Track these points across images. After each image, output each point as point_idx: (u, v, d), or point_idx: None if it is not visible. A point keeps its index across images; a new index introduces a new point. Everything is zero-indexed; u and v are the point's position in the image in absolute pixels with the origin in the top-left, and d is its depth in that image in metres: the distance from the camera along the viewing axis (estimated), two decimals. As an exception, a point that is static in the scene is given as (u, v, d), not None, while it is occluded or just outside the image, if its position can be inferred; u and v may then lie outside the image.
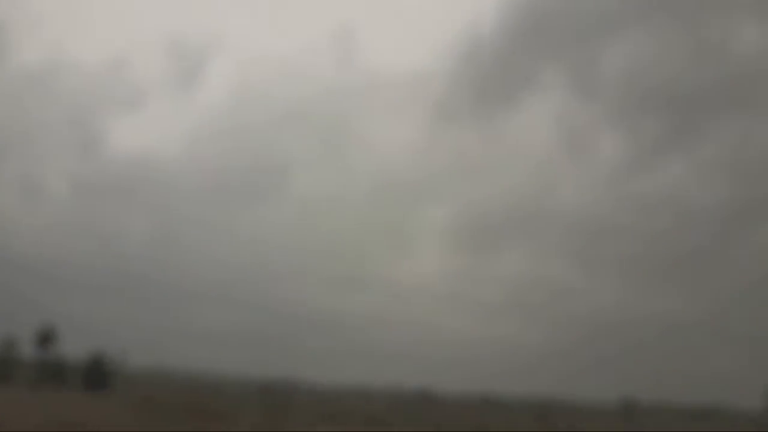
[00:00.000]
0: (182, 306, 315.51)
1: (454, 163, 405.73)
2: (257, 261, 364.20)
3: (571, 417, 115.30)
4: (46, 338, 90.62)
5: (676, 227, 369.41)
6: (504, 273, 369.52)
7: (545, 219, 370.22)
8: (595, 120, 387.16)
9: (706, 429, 75.63)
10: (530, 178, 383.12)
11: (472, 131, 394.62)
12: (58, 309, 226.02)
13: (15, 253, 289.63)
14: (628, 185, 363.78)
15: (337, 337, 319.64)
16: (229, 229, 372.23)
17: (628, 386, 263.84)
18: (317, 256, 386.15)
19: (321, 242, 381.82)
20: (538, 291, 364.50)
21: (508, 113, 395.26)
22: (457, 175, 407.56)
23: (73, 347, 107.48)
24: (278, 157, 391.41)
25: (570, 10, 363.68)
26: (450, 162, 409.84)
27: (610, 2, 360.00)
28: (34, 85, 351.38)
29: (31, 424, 20.35)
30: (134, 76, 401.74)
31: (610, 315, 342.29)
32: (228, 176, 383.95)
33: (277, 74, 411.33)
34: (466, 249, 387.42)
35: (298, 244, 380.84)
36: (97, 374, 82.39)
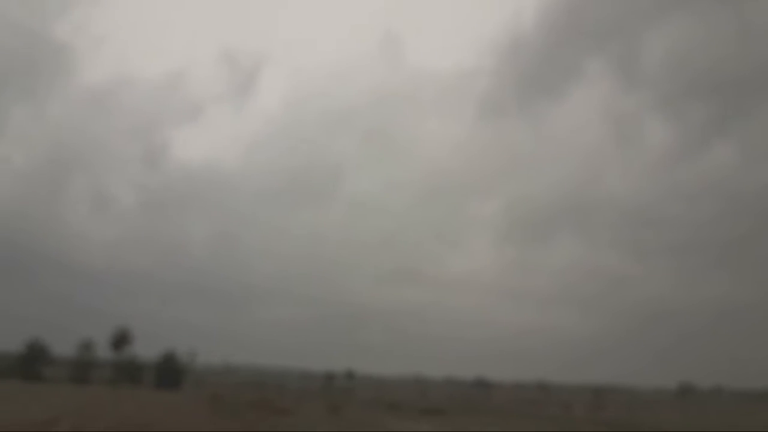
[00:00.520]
0: (245, 305, 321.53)
1: (502, 158, 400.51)
2: (314, 259, 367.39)
3: (628, 403, 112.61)
4: (120, 340, 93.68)
5: (725, 213, 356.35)
6: (555, 264, 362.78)
7: (595, 209, 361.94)
8: (641, 108, 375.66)
9: (763, 412, 72.69)
10: (578, 169, 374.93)
11: (518, 125, 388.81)
12: (131, 313, 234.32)
13: (89, 263, 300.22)
14: (677, 172, 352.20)
15: (393, 329, 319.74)
16: (286, 229, 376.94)
17: (684, 372, 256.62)
18: (371, 252, 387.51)
19: (374, 239, 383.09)
20: (590, 281, 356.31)
21: (553, 106, 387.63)
22: (505, 170, 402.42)
23: (146, 348, 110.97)
24: (330, 159, 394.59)
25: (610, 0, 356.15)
26: (497, 157, 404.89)
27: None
28: (99, 102, 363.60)
29: (110, 422, 21.15)
30: (192, 89, 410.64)
31: (663, 302, 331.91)
32: (283, 179, 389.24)
33: (327, 81, 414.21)
34: (516, 241, 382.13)
35: (352, 242, 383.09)
36: (168, 373, 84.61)
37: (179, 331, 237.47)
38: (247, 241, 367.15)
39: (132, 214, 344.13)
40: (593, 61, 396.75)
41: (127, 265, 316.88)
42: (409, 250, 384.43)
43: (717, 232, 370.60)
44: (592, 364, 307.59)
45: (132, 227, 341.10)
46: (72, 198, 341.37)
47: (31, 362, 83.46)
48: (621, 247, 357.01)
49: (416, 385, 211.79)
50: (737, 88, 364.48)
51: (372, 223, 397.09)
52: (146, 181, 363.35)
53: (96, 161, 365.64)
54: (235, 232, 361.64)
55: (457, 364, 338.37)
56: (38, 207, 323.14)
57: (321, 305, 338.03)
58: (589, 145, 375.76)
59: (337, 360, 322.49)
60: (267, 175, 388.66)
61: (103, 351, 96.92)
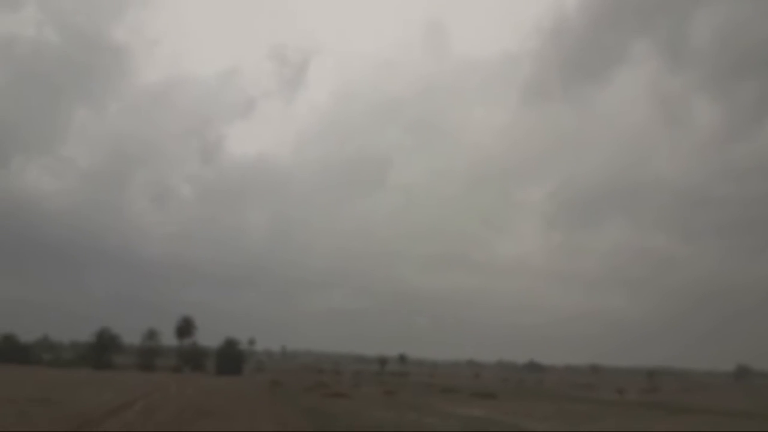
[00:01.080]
0: (301, 293, 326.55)
1: (547, 142, 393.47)
2: (365, 247, 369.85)
3: (683, 385, 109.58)
4: (184, 329, 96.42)
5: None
6: (603, 247, 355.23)
7: (642, 191, 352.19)
8: (689, 88, 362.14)
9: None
10: (625, 151, 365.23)
11: (563, 109, 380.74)
12: (193, 302, 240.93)
13: (151, 256, 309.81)
14: (726, 152, 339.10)
15: (443, 315, 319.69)
16: (337, 219, 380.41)
17: (738, 354, 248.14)
18: (420, 239, 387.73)
19: (423, 226, 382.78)
20: (639, 263, 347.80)
21: (598, 88, 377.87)
22: (551, 154, 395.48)
23: (208, 336, 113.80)
24: (379, 149, 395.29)
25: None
26: (543, 141, 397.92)
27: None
28: (156, 101, 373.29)
29: (177, 406, 21.80)
30: (245, 86, 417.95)
31: (713, 283, 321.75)
32: (334, 171, 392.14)
33: (374, 72, 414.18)
34: (564, 225, 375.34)
35: (402, 230, 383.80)
36: (229, 359, 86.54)
37: (239, 320, 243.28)
38: (301, 232, 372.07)
39: (190, 208, 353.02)
40: (638, 43, 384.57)
41: (187, 257, 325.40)
42: (458, 236, 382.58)
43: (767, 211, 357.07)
44: (643, 346, 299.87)
45: (190, 220, 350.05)
46: (133, 194, 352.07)
47: (102, 351, 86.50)
48: (669, 228, 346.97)
49: (468, 370, 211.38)
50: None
51: (421, 210, 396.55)
52: (203, 175, 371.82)
53: (155, 158, 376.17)
54: (289, 223, 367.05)
55: (509, 349, 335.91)
56: (102, 204, 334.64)
57: (373, 292, 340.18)
58: (635, 126, 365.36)
59: (389, 345, 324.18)
60: (318, 167, 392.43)
61: (168, 339, 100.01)
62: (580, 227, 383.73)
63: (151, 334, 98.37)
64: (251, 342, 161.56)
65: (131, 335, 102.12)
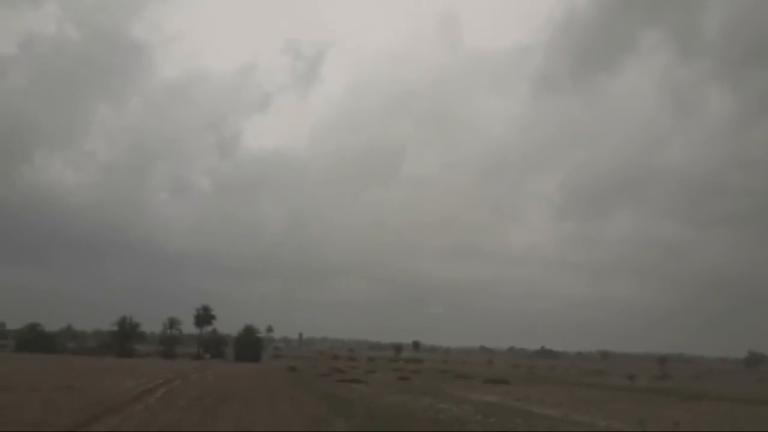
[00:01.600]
0: (317, 282, 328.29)
1: (559, 132, 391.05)
2: (379, 237, 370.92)
3: (694, 371, 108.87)
4: (203, 317, 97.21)
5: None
6: (614, 235, 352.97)
7: (652, 180, 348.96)
8: (700, 78, 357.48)
9: None
10: (636, 140, 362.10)
11: (574, 99, 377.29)
12: (212, 291, 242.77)
13: (171, 246, 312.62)
14: (737, 140, 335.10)
15: (456, 303, 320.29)
16: (352, 210, 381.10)
17: (748, 340, 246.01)
18: (433, 229, 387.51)
19: (435, 217, 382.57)
20: (650, 251, 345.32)
21: (609, 78, 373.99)
22: (562, 144, 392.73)
23: (227, 324, 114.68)
24: (392, 141, 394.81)
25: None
26: (554, 131, 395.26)
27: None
28: (175, 95, 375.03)
29: (199, 391, 21.96)
30: (261, 80, 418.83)
31: (722, 270, 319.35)
32: (348, 163, 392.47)
33: (388, 65, 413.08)
34: (574, 214, 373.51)
35: (415, 220, 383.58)
36: (247, 346, 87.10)
37: (257, 308, 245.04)
38: (316, 223, 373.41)
39: (209, 200, 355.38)
40: (648, 33, 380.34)
41: (206, 248, 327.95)
42: (470, 226, 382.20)
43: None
44: (654, 333, 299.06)
45: (209, 212, 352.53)
46: (153, 187, 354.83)
47: (124, 339, 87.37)
48: (680, 217, 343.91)
49: (481, 356, 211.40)
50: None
51: (433, 201, 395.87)
52: (221, 168, 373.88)
53: (174, 152, 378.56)
54: (305, 215, 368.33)
55: (520, 336, 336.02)
56: (123, 197, 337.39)
57: (387, 281, 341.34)
58: (645, 116, 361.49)
59: (404, 332, 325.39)
60: (333, 160, 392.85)
61: (188, 328, 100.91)
62: (591, 216, 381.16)
63: (172, 323, 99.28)
64: (269, 330, 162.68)
65: (152, 324, 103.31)
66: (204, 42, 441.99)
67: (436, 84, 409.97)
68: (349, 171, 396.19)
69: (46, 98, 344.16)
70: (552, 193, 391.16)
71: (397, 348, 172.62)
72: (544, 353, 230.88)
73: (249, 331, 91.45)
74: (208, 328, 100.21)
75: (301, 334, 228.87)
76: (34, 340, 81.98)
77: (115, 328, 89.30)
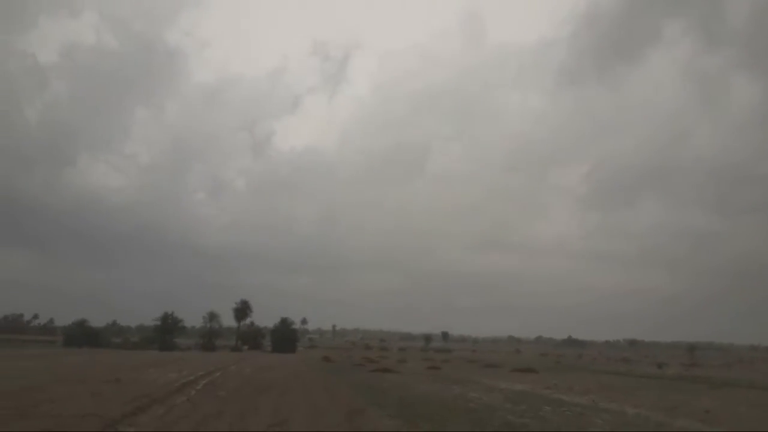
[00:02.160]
0: (348, 275, 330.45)
1: (583, 125, 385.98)
2: (407, 231, 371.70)
3: (724, 360, 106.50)
4: (241, 311, 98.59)
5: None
6: (641, 226, 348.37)
7: (680, 170, 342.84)
8: (727, 67, 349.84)
9: None
10: (662, 131, 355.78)
11: (599, 91, 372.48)
12: (249, 285, 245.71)
13: (209, 244, 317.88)
14: (766, 129, 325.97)
15: (484, 294, 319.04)
16: (380, 205, 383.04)
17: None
18: (459, 222, 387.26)
19: (462, 210, 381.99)
20: (677, 241, 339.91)
21: (632, 70, 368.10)
22: (587, 136, 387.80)
23: (264, 317, 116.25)
24: (418, 137, 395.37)
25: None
26: (579, 124, 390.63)
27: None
28: (210, 100, 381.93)
29: (238, 381, 22.28)
30: (290, 82, 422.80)
31: (752, 260, 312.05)
32: (376, 160, 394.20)
33: (413, 62, 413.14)
34: (601, 206, 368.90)
35: (442, 214, 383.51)
36: (283, 338, 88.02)
37: (292, 301, 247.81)
38: (346, 218, 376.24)
39: (244, 199, 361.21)
40: (672, 24, 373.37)
41: (243, 244, 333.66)
42: (496, 219, 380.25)
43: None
44: (683, 323, 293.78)
45: (245, 211, 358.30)
46: (191, 187, 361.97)
47: (166, 333, 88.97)
48: (708, 207, 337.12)
49: (509, 346, 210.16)
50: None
51: (459, 195, 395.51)
52: (254, 168, 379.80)
53: (210, 153, 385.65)
54: (336, 211, 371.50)
55: (548, 326, 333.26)
56: (163, 197, 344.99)
57: (417, 273, 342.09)
58: (671, 107, 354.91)
59: (433, 323, 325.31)
60: (361, 157, 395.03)
61: (227, 321, 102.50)
62: (617, 208, 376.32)
63: (212, 317, 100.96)
64: (303, 322, 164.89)
65: (193, 318, 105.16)
66: (236, 47, 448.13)
67: (460, 80, 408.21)
68: (376, 168, 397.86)
69: (88, 105, 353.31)
70: (578, 185, 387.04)
71: (427, 338, 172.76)
72: (571, 342, 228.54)
73: (284, 324, 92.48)
74: (246, 321, 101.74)
75: (334, 326, 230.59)
76: (82, 336, 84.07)
77: (158, 322, 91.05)
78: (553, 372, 43.74)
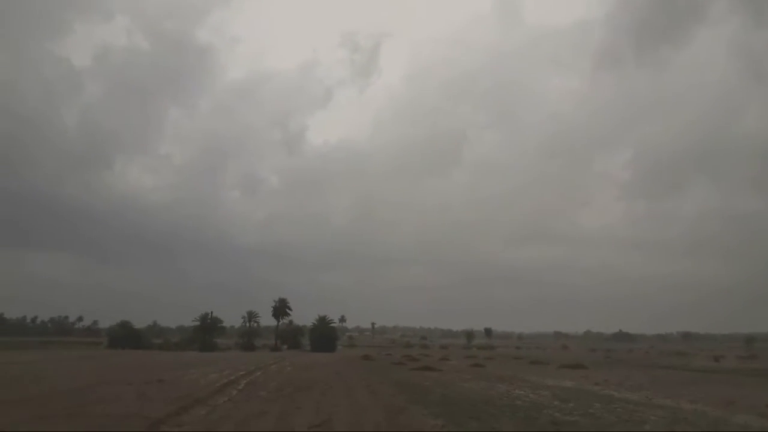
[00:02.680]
0: (386, 271, 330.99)
1: (625, 108, 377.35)
2: (444, 224, 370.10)
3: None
4: (279, 309, 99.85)
5: None
6: (691, 213, 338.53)
7: (731, 152, 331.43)
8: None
9: None
10: (710, 112, 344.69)
11: (639, 73, 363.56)
12: (287, 283, 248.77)
13: (245, 241, 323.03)
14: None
15: (527, 287, 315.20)
16: (416, 197, 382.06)
17: None
18: (499, 213, 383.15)
19: (501, 200, 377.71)
20: (731, 228, 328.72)
21: (675, 50, 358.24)
22: (629, 119, 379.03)
23: (302, 315, 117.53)
24: (453, 125, 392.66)
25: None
26: (620, 107, 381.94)
27: None
28: (241, 96, 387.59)
29: (279, 381, 22.55)
30: (321, 75, 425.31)
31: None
32: (410, 151, 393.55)
33: (446, 48, 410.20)
34: (647, 193, 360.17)
35: (480, 204, 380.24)
36: (323, 336, 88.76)
37: (329, 298, 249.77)
38: (382, 212, 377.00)
39: (278, 196, 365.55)
40: (718, 0, 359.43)
41: (279, 242, 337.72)
42: (537, 209, 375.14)
43: None
44: (741, 314, 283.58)
45: (279, 207, 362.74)
46: (226, 186, 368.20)
47: (206, 334, 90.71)
48: (763, 191, 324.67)
49: (555, 341, 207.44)
50: None
51: (498, 184, 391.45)
52: (288, 164, 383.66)
53: (243, 151, 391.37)
54: (371, 205, 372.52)
55: (596, 319, 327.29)
56: (198, 196, 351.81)
57: (456, 267, 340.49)
58: (719, 86, 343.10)
59: (475, 319, 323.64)
60: (395, 149, 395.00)
61: (265, 320, 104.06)
62: (664, 193, 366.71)
63: (250, 316, 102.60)
64: (342, 319, 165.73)
65: (231, 318, 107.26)
66: (265, 42, 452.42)
67: (495, 65, 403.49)
68: (411, 159, 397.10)
69: (122, 107, 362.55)
70: (621, 170, 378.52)
71: (469, 335, 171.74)
72: (622, 336, 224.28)
73: (323, 322, 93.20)
74: (285, 320, 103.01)
75: (373, 324, 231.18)
76: (125, 337, 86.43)
77: (198, 323, 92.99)
78: (603, 367, 43.03)
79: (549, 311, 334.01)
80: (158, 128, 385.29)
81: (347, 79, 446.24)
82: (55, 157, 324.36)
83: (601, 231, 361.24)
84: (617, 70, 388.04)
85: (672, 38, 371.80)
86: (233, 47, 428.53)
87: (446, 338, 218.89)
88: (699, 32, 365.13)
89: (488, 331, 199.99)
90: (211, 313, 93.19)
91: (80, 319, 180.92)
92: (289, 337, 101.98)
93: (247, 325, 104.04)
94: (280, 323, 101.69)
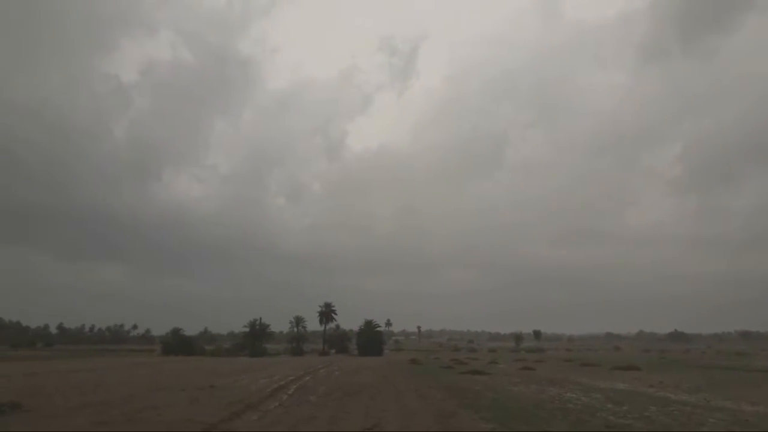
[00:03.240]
0: (430, 273, 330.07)
1: (672, 101, 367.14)
2: (488, 226, 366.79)
3: None
4: (325, 314, 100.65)
5: None
6: (746, 207, 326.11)
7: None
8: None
9: None
10: (763, 100, 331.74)
11: (686, 65, 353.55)
12: (332, 288, 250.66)
13: (292, 247, 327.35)
14: None
15: (576, 288, 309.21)
16: (459, 200, 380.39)
17: None
18: (545, 213, 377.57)
19: (547, 200, 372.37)
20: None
21: (724, 40, 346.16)
22: (677, 113, 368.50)
23: (348, 319, 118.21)
24: (495, 125, 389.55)
25: None
26: (667, 100, 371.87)
27: None
28: (284, 105, 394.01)
29: (328, 385, 22.76)
30: (360, 81, 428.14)
31: None
32: (451, 153, 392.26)
33: (486, 48, 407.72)
34: (698, 188, 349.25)
35: (525, 204, 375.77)
36: (369, 341, 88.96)
37: (375, 302, 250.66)
38: (424, 215, 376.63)
39: (321, 201, 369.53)
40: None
41: (323, 247, 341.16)
42: (584, 208, 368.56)
43: None
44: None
45: (322, 213, 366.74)
46: (271, 193, 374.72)
47: (255, 339, 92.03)
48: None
49: (606, 343, 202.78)
50: None
51: (543, 184, 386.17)
52: (330, 171, 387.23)
53: (286, 158, 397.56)
54: (413, 208, 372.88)
55: (649, 319, 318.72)
56: (245, 204, 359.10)
57: (502, 270, 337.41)
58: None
59: (523, 321, 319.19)
60: (435, 151, 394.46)
61: (312, 325, 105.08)
62: (716, 189, 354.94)
63: (298, 321, 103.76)
64: (388, 324, 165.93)
65: (279, 323, 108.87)
66: (304, 51, 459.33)
67: (536, 62, 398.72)
68: (452, 161, 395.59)
69: (169, 119, 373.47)
70: (671, 166, 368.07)
71: (518, 338, 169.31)
72: (677, 336, 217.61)
73: (369, 326, 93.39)
74: (331, 325, 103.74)
75: (419, 327, 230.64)
76: (177, 344, 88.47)
77: (247, 329, 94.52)
78: (658, 369, 41.84)
79: (599, 312, 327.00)
80: (204, 139, 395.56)
81: (386, 83, 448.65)
82: (107, 171, 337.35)
83: (651, 228, 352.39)
84: (663, 63, 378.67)
85: (719, 27, 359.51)
86: (274, 57, 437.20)
87: (494, 341, 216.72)
88: (748, 19, 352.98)
89: (537, 334, 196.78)
90: (260, 319, 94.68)
91: (134, 327, 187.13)
92: (337, 341, 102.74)
93: (295, 330, 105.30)
94: (326, 328, 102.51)
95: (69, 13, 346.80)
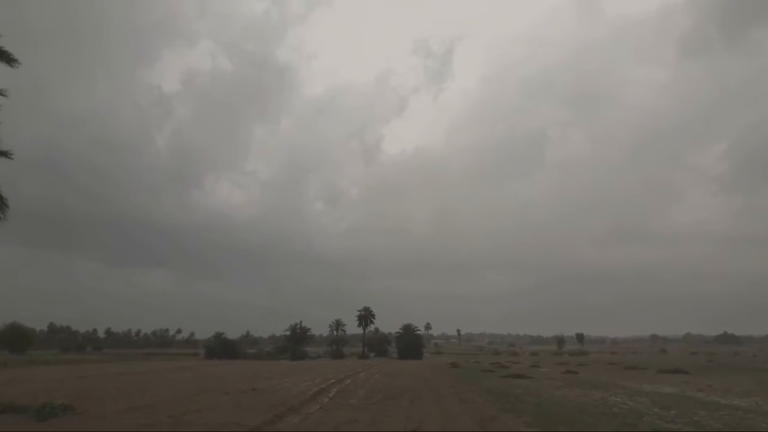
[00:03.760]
0: (468, 276, 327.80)
1: (715, 96, 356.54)
2: (529, 227, 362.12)
3: None
4: (364, 317, 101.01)
5: None
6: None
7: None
8: None
9: None
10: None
11: (729, 58, 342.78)
12: (371, 291, 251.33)
13: (330, 251, 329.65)
14: None
15: (620, 289, 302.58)
16: (497, 201, 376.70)
17: None
18: (587, 213, 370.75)
19: (589, 199, 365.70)
20: None
21: (766, 33, 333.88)
22: (721, 108, 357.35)
23: (387, 323, 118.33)
24: (533, 124, 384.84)
25: None
26: (710, 96, 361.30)
27: None
28: (321, 110, 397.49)
29: (367, 389, 22.81)
30: (395, 84, 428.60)
31: None
32: (488, 153, 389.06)
33: (523, 46, 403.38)
34: (745, 185, 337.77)
35: (567, 204, 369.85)
36: (409, 344, 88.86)
37: (413, 305, 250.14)
38: (462, 217, 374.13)
39: (358, 205, 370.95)
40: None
41: (362, 251, 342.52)
42: (628, 206, 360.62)
43: None
44: None
45: (360, 216, 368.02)
46: (309, 198, 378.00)
47: (296, 343, 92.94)
48: None
49: (652, 345, 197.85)
50: None
51: (584, 183, 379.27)
52: (367, 175, 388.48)
53: (324, 163, 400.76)
54: (450, 211, 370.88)
55: (696, 321, 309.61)
56: (284, 209, 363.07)
57: (542, 272, 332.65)
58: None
59: (565, 324, 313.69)
60: (472, 153, 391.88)
61: (351, 328, 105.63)
62: (764, 186, 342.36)
63: (338, 324, 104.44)
64: (427, 327, 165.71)
65: (320, 326, 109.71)
66: (340, 56, 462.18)
67: (575, 59, 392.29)
68: (490, 162, 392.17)
69: (209, 127, 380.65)
70: (716, 163, 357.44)
71: (560, 341, 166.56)
72: (726, 338, 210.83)
73: (408, 329, 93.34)
74: (371, 328, 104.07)
75: (458, 331, 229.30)
76: (220, 348, 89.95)
77: (288, 333, 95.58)
78: (706, 372, 40.64)
79: (644, 314, 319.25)
80: (244, 146, 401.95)
81: (421, 85, 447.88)
82: (151, 179, 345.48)
83: (696, 227, 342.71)
84: (705, 58, 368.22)
85: (763, 20, 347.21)
86: (310, 64, 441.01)
87: (535, 345, 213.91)
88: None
89: (580, 337, 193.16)
90: (300, 323, 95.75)
91: (179, 331, 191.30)
92: (376, 344, 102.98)
93: (335, 333, 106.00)
94: (366, 331, 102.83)
95: (112, 26, 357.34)
